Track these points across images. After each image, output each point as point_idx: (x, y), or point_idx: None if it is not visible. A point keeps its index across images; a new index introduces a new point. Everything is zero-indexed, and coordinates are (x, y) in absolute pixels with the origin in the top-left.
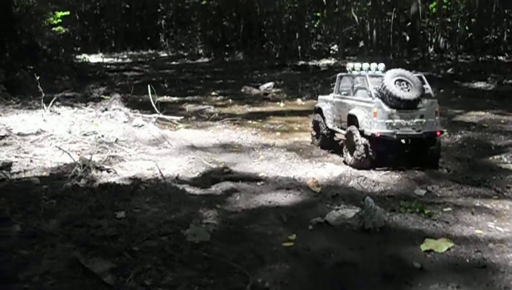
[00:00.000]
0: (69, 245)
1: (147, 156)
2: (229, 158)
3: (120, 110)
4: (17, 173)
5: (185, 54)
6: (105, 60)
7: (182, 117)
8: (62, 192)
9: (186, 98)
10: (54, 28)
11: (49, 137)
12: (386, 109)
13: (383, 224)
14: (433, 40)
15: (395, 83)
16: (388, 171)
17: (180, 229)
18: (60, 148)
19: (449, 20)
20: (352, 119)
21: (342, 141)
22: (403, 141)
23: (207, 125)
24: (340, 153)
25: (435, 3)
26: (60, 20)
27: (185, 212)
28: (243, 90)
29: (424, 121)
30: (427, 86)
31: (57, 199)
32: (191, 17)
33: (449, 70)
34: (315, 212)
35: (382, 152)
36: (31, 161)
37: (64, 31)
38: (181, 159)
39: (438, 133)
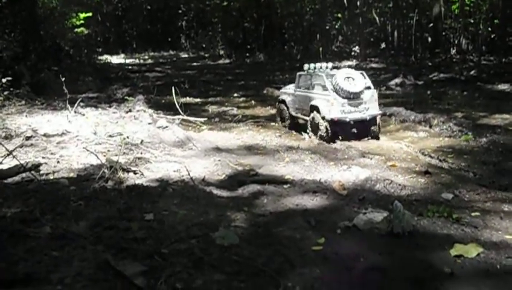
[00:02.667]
0: (99, 247)
1: (173, 157)
2: (254, 160)
3: (144, 111)
4: (46, 174)
5: (206, 55)
6: (127, 61)
7: (206, 119)
8: (90, 193)
9: (209, 99)
10: (76, 29)
11: (75, 138)
12: (340, 99)
13: (412, 228)
14: (456, 42)
15: (344, 80)
16: (414, 175)
17: (209, 232)
18: (87, 150)
19: (472, 21)
20: (315, 108)
21: (307, 124)
22: (351, 122)
23: (230, 127)
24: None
25: (457, 4)
26: (82, 22)
27: (213, 214)
28: (265, 91)
29: (367, 107)
30: (367, 80)
31: (85, 201)
32: (212, 18)
33: (472, 72)
34: (342, 216)
35: (338, 131)
36: (58, 162)
37: (86, 32)
38: (207, 161)
39: (378, 116)
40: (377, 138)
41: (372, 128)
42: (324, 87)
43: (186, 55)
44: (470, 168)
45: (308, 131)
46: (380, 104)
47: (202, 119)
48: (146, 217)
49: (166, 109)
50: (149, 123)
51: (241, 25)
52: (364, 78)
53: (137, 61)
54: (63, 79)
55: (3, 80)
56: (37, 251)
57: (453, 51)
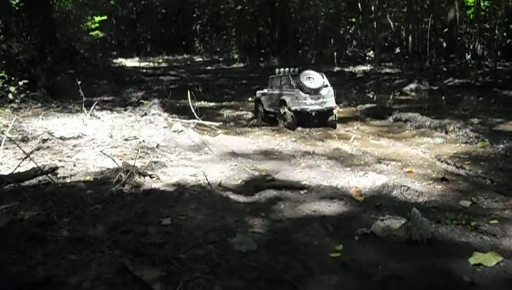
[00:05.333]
0: (116, 251)
1: (189, 162)
2: (270, 165)
3: (159, 115)
4: (63, 177)
5: (220, 58)
6: (142, 65)
7: (221, 123)
8: (107, 197)
9: (223, 103)
10: (91, 33)
11: (91, 141)
12: (302, 94)
13: (430, 236)
14: (471, 47)
15: (306, 79)
16: (431, 182)
17: (226, 238)
18: (104, 154)
19: (487, 26)
20: (283, 102)
21: (277, 116)
22: (313, 113)
23: (246, 132)
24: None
25: (472, 9)
26: (97, 25)
27: (230, 220)
28: None
29: (325, 100)
30: (325, 80)
31: (102, 204)
32: (226, 22)
33: (487, 78)
34: (360, 223)
35: (301, 120)
36: (75, 165)
37: (101, 35)
38: (223, 166)
39: (334, 107)
40: (334, 127)
41: (330, 118)
42: (290, 85)
43: (200, 59)
44: (487, 175)
45: (278, 120)
46: (395, 110)
47: (217, 124)
48: (163, 221)
49: (181, 112)
50: (164, 127)
51: (255, 29)
52: (323, 78)
53: (151, 64)
54: (79, 82)
55: (20, 83)
56: (55, 254)
57: (468, 56)
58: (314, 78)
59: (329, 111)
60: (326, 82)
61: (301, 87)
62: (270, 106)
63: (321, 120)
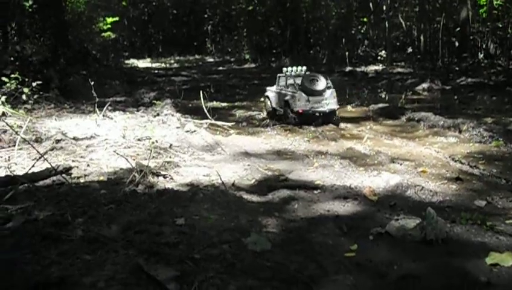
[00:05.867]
0: (131, 251)
1: (202, 162)
2: (283, 165)
3: (172, 115)
4: (77, 177)
5: (232, 59)
6: (153, 65)
7: (233, 123)
8: (121, 197)
9: (235, 103)
10: (103, 34)
11: (104, 142)
12: (304, 96)
13: (445, 235)
14: (484, 46)
15: (309, 81)
16: (445, 181)
17: (240, 237)
18: (117, 154)
19: (500, 25)
20: (287, 103)
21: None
22: (316, 114)
23: (258, 132)
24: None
25: (485, 8)
26: (109, 26)
27: (244, 220)
28: None
29: (327, 102)
30: (329, 81)
31: (115, 204)
32: (238, 22)
33: (500, 77)
34: (374, 222)
35: (305, 120)
36: (88, 166)
37: (113, 36)
38: (236, 166)
39: (336, 109)
40: (337, 125)
41: (333, 118)
42: (294, 86)
43: (211, 60)
44: (501, 174)
45: (284, 119)
46: (408, 109)
47: (230, 124)
48: (177, 221)
49: (193, 113)
50: (177, 127)
51: (267, 29)
52: (327, 80)
53: (163, 65)
54: (92, 83)
55: (34, 84)
56: (69, 254)
57: (481, 56)
58: (317, 80)
59: (332, 112)
60: (330, 84)
61: (304, 89)
62: (276, 104)
63: (324, 120)
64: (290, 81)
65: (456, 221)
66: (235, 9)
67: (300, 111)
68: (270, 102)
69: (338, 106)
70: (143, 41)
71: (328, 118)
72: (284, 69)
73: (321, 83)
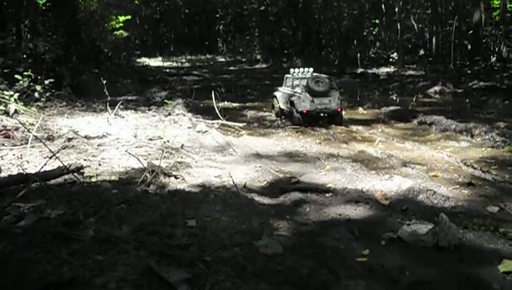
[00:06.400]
0: (142, 253)
1: (213, 163)
2: (295, 168)
3: (184, 115)
4: (89, 177)
5: (243, 59)
6: (165, 64)
7: (245, 124)
8: (132, 197)
9: (247, 104)
10: (115, 32)
11: (115, 141)
12: (309, 97)
13: (458, 242)
14: (496, 49)
15: (314, 82)
16: (457, 186)
17: (252, 240)
18: (129, 153)
19: None
20: (292, 103)
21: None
22: (320, 114)
23: (269, 133)
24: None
25: (498, 11)
26: (121, 24)
27: (255, 222)
28: None
29: (331, 103)
30: (333, 83)
31: (127, 205)
32: (249, 22)
33: None
34: (386, 227)
35: (308, 120)
36: (100, 165)
37: (125, 35)
38: (247, 167)
39: (339, 109)
40: (340, 124)
41: (337, 118)
42: (299, 87)
43: (223, 59)
44: None
45: (289, 118)
46: (419, 112)
47: (241, 124)
48: (188, 223)
49: (204, 113)
50: (189, 127)
51: (279, 29)
52: (331, 81)
53: (174, 64)
54: (104, 82)
55: (46, 82)
56: (81, 254)
57: (493, 59)
58: (322, 82)
59: (335, 113)
60: (334, 86)
61: (309, 90)
62: (283, 103)
63: (328, 119)
64: (297, 82)
65: (468, 227)
66: (247, 9)
67: (305, 111)
68: (278, 102)
69: (341, 107)
70: (155, 40)
71: (332, 118)
72: (291, 70)
73: (325, 84)
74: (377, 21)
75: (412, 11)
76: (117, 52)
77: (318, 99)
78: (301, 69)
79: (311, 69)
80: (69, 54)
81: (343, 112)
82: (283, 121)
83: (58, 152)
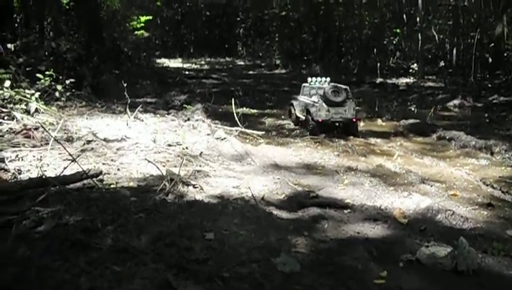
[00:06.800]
0: (160, 265)
1: (231, 172)
2: (313, 181)
3: (203, 121)
4: (108, 183)
5: (262, 64)
6: (184, 66)
7: (263, 132)
8: (150, 206)
9: (265, 111)
10: (136, 32)
11: (134, 145)
12: (325, 106)
13: (476, 267)
14: None
15: (331, 92)
16: (477, 207)
17: (270, 257)
18: (148, 161)
19: None
20: (308, 112)
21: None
22: (336, 123)
23: (288, 142)
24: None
25: None
26: (142, 25)
27: (273, 237)
28: None
29: (346, 113)
30: (349, 93)
31: (145, 213)
32: (270, 27)
33: None
34: (404, 248)
35: (323, 129)
36: (118, 170)
37: (146, 35)
38: (266, 178)
39: (354, 120)
40: (355, 135)
41: (352, 128)
42: (316, 96)
43: (242, 63)
44: None
45: (305, 127)
46: (438, 126)
47: (260, 133)
48: (207, 236)
49: (223, 118)
50: (208, 134)
51: (299, 35)
52: (347, 92)
53: (194, 66)
54: (125, 85)
55: (67, 82)
56: (98, 264)
57: None
58: (338, 92)
59: (351, 122)
60: (350, 96)
61: (325, 100)
62: (300, 112)
63: (343, 129)
64: (314, 91)
65: (487, 251)
66: (268, 14)
67: (320, 120)
68: (295, 110)
69: (355, 117)
70: (175, 41)
71: (347, 128)
72: (309, 79)
73: (342, 94)
74: (397, 30)
75: (434, 22)
76: (137, 53)
77: (334, 109)
78: (318, 79)
79: (328, 79)
80: (90, 54)
81: (362, 123)
82: (301, 130)
83: (78, 157)
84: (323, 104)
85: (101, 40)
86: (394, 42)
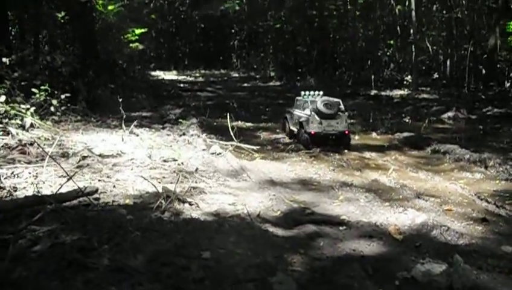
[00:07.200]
0: (156, 285)
1: (227, 189)
2: (309, 197)
3: (198, 136)
4: (104, 201)
5: (257, 76)
6: (179, 78)
7: (258, 147)
8: (147, 224)
9: (260, 124)
10: (131, 45)
11: (130, 161)
12: (317, 118)
13: (472, 284)
14: (511, 75)
15: (323, 105)
16: (471, 222)
17: (266, 276)
18: (144, 178)
19: None
20: (301, 124)
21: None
22: (330, 136)
23: (283, 157)
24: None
25: None
26: (137, 37)
27: (270, 256)
28: None
29: (339, 125)
30: (342, 106)
31: (141, 232)
32: (264, 39)
33: None
34: (400, 265)
35: (315, 141)
36: (114, 187)
37: (141, 47)
38: (261, 195)
39: (347, 132)
40: (347, 148)
41: (344, 140)
42: (308, 109)
43: (236, 75)
44: None
45: (297, 139)
46: (433, 140)
47: (255, 147)
48: (203, 255)
49: (218, 132)
50: (203, 149)
51: (293, 47)
52: (339, 104)
53: (188, 78)
54: (120, 100)
55: (62, 96)
56: (95, 284)
57: (508, 84)
58: (331, 105)
59: (343, 134)
60: (342, 108)
61: (318, 112)
62: (293, 124)
63: (335, 142)
64: (306, 104)
65: (483, 268)
66: (263, 26)
67: (313, 133)
68: (288, 123)
69: (347, 130)
70: (170, 54)
71: (340, 140)
72: (302, 92)
73: (334, 107)
74: (391, 42)
75: (427, 33)
76: (132, 65)
77: (326, 122)
78: (311, 92)
79: (321, 92)
80: (85, 67)
81: (357, 136)
82: (296, 144)
83: (73, 174)
84: (316, 116)
85: (95, 53)
86: (388, 54)
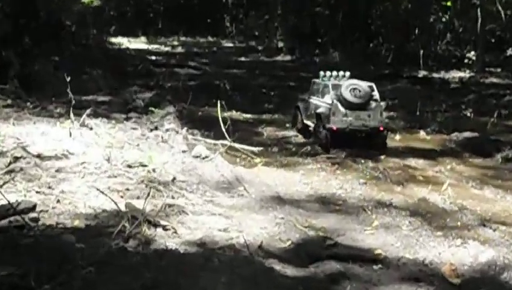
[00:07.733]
0: None
1: (217, 208)
2: (330, 221)
3: (177, 132)
4: (44, 221)
5: (259, 47)
6: (150, 47)
7: (261, 148)
8: (104, 257)
9: (263, 116)
10: (83, 0)
11: (80, 165)
12: (342, 109)
13: None
14: None
15: (349, 91)
16: None
17: None
18: (100, 191)
19: None
20: (318, 116)
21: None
22: (357, 134)
23: (295, 163)
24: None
25: None
26: None
27: None
28: None
29: (370, 118)
30: (376, 93)
31: (96, 267)
32: None
33: None
34: None
35: (338, 140)
36: (58, 202)
37: (96, 4)
38: (264, 217)
39: (381, 129)
40: (383, 152)
41: (377, 140)
42: (329, 96)
43: (230, 45)
44: None
45: (314, 136)
46: (505, 143)
47: (255, 149)
48: None
49: (204, 127)
50: (183, 151)
51: (311, 8)
52: (373, 90)
53: (163, 48)
54: (68, 78)
55: None
56: None
57: None
58: (359, 90)
59: (376, 132)
60: (377, 95)
61: (342, 100)
62: (307, 117)
63: (364, 142)
64: (327, 89)
65: None
66: None
67: (335, 128)
68: (301, 115)
69: (382, 125)
70: (137, 13)
71: (372, 140)
72: (321, 72)
73: (365, 94)
74: (448, 4)
75: None
76: (84, 29)
77: (354, 113)
78: (334, 73)
79: (348, 73)
80: (19, 31)
81: (397, 136)
82: (313, 145)
83: (2, 184)
84: (339, 106)
85: (34, 11)
86: (443, 20)
